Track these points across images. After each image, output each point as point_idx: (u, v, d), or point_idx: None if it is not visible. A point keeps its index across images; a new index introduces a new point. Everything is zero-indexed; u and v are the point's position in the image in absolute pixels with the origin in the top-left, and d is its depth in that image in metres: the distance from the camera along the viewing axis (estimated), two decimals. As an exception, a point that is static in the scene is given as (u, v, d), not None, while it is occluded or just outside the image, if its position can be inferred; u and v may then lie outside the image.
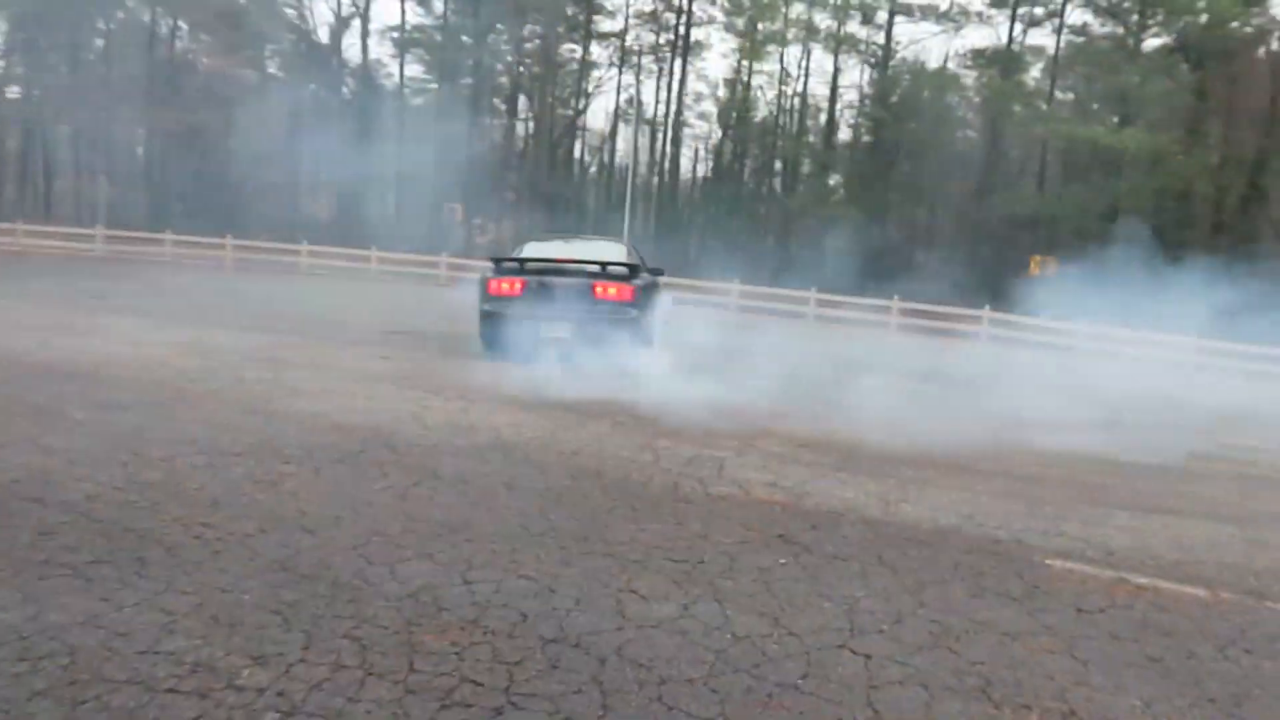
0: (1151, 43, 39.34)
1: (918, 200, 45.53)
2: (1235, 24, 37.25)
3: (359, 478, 4.22)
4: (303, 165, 39.51)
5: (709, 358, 9.71)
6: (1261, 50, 40.25)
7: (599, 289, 8.39)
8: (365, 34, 42.20)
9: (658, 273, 10.68)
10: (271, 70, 41.80)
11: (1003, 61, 42.38)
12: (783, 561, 3.53)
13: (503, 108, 47.02)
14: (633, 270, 8.71)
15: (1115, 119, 39.04)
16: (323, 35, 42.87)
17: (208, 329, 9.63)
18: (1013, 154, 45.65)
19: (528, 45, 44.63)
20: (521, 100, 47.12)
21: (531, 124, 46.73)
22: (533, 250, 9.33)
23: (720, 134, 48.62)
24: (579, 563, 3.34)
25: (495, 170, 43.67)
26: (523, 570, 3.23)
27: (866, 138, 47.05)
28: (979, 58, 42.90)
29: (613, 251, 9.28)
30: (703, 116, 48.92)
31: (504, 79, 46.22)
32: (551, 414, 6.14)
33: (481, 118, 45.53)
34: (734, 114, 45.65)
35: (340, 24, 42.23)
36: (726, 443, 5.62)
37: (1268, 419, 10.96)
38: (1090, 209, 36.82)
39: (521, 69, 45.75)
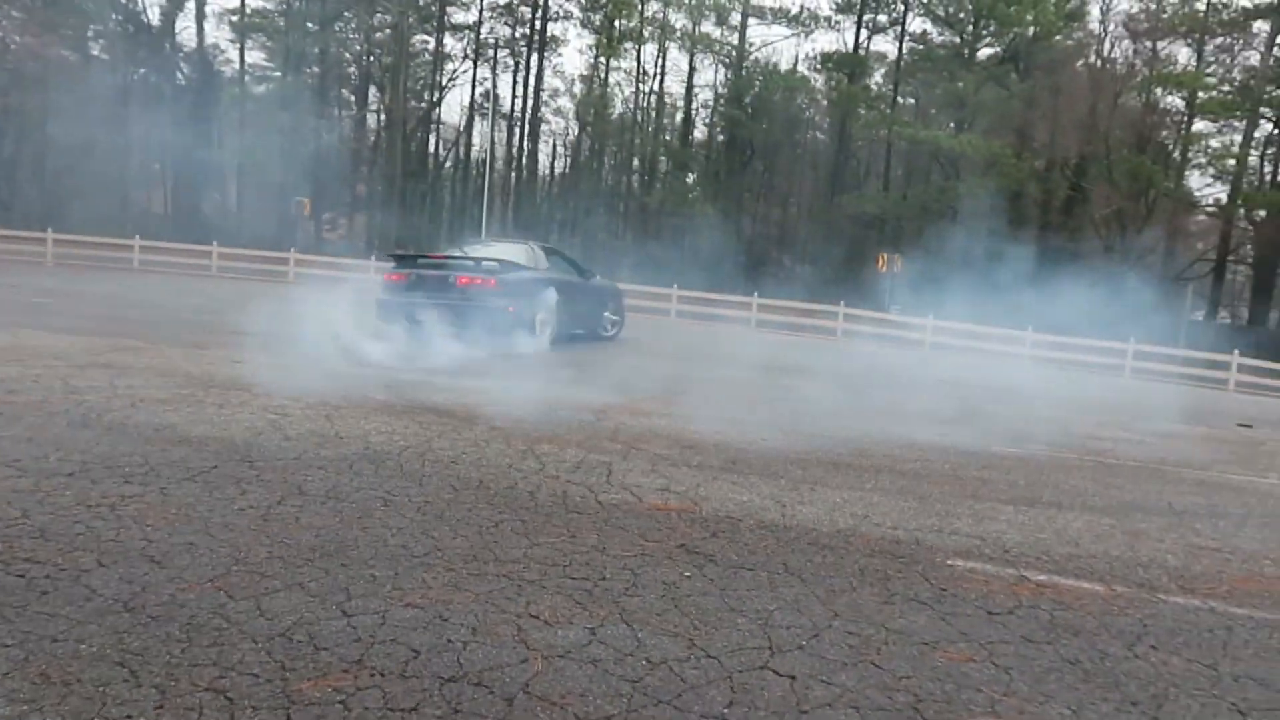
0: (985, 52, 41.62)
1: (772, 199, 46.64)
2: (1059, 37, 39.85)
3: (213, 498, 3.77)
4: (132, 155, 36.90)
5: (587, 356, 9.50)
6: (1081, 62, 43.23)
7: (462, 280, 9.97)
8: (201, 16, 39.78)
9: (587, 274, 12.65)
10: (95, 52, 38.84)
11: (849, 66, 43.92)
12: (687, 574, 3.34)
13: (352, 99, 45.35)
14: (507, 266, 10.24)
15: (952, 124, 41.08)
16: (153, 16, 40.13)
17: (29, 331, 8.69)
18: (860, 155, 47.39)
19: (378, 34, 43.18)
20: (372, 92, 45.56)
21: (383, 116, 45.25)
22: (450, 249, 12.58)
23: (578, 130, 48.45)
24: (471, 586, 3.05)
25: (345, 164, 42.03)
26: (409, 598, 2.91)
27: (722, 137, 47.86)
28: (828, 61, 44.34)
29: (512, 252, 10.99)
30: (560, 113, 48.64)
31: (353, 69, 44.58)
32: (423, 419, 5.77)
33: (329, 109, 43.77)
34: (591, 111, 45.56)
35: (173, 4, 39.64)
36: (610, 445, 5.42)
37: (1108, 408, 11.62)
38: (932, 209, 38.60)
39: (371, 59, 44.23)
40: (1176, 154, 43.44)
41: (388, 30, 42.57)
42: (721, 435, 6.09)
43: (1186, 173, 44.24)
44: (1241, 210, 40.93)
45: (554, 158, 50.75)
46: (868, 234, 39.35)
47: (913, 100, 45.32)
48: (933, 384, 12.23)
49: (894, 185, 42.13)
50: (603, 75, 44.77)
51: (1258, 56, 41.16)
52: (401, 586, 3.00)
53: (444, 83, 45.14)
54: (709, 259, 33.94)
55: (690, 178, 46.45)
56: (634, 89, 45.12)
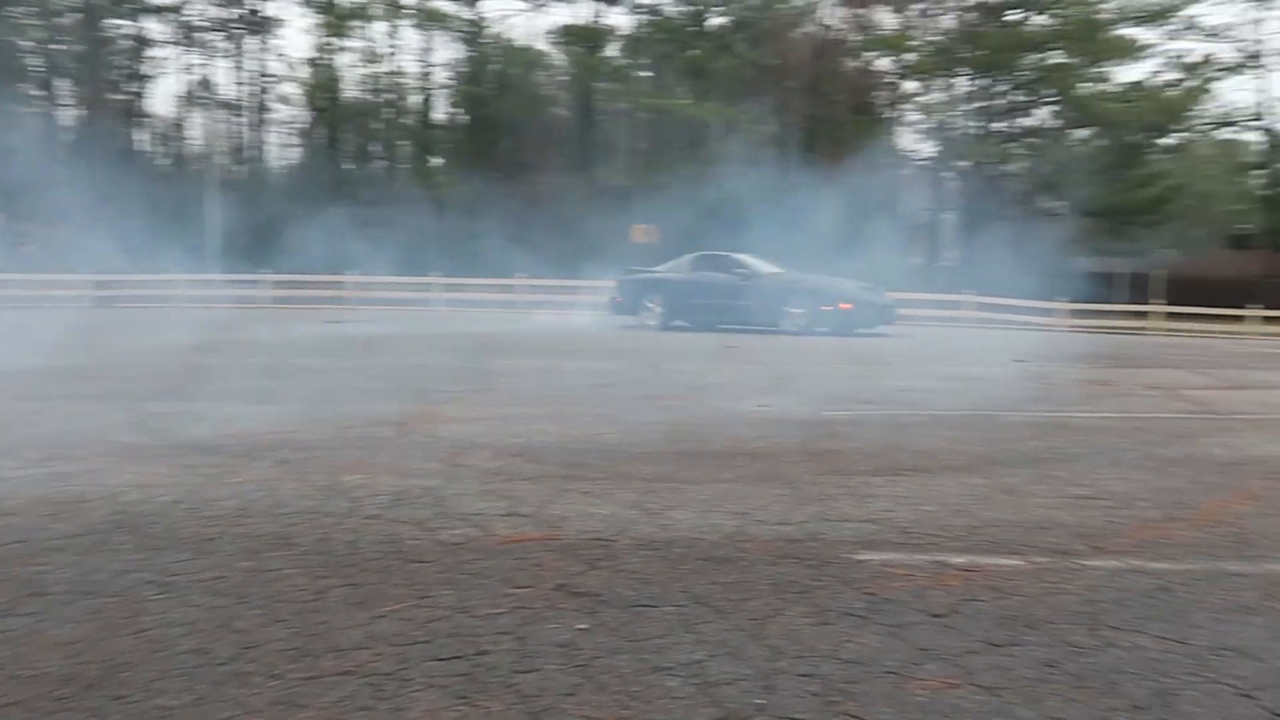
0: (716, 21, 42.85)
1: (523, 177, 45.79)
2: (781, 5, 41.72)
3: (-101, 625, 2.68)
4: None
5: (361, 361, 8.49)
6: (803, 29, 45.61)
7: None
8: None
9: None
10: None
11: (587, 39, 43.83)
12: (582, 627, 2.69)
13: (40, 93, 39.83)
14: None
15: (690, 93, 41.98)
16: None
17: None
18: (605, 127, 47.53)
19: (63, 19, 38.12)
20: (64, 83, 40.26)
21: (79, 112, 40.15)
22: None
23: (310, 116, 45.36)
24: (309, 698, 2.24)
25: (35, 167, 36.94)
26: (226, 736, 2.08)
27: (465, 117, 46.47)
28: (566, 35, 43.94)
29: None
30: (288, 99, 45.23)
31: (36, 60, 39.16)
32: (189, 461, 4.70)
33: (7, 104, 38.23)
34: (322, 95, 42.73)
35: None
36: (428, 465, 4.63)
37: (890, 357, 11.98)
38: (680, 176, 39.33)
39: (58, 47, 39.02)
40: (889, 113, 46.92)
41: (76, 15, 37.64)
42: (547, 435, 5.45)
43: (901, 130, 47.98)
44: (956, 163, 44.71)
45: (286, 146, 47.20)
46: (621, 205, 39.53)
47: (651, 73, 45.97)
48: (716, 352, 12.14)
49: (642, 156, 42.64)
50: (331, 57, 42.03)
51: (953, 19, 45.15)
52: (210, 719, 2.15)
53: (149, 72, 40.66)
54: (465, 242, 32.83)
55: (437, 160, 44.75)
56: (367, 70, 42.72)
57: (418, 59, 43.03)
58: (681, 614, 2.78)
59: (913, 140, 48.60)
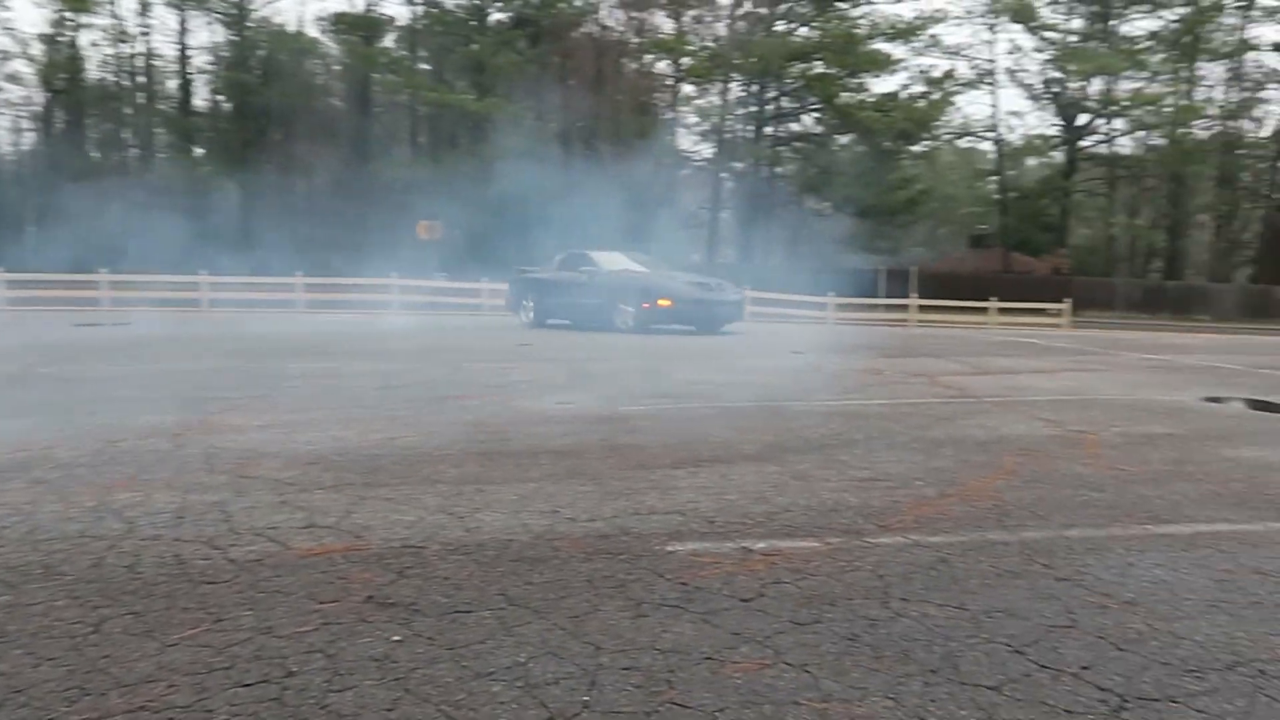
0: (496, 17, 42.47)
1: (295, 170, 43.55)
2: (562, 4, 41.93)
3: None
4: None
5: (120, 370, 7.78)
6: (583, 30, 46.06)
7: None
8: None
9: None
10: None
11: (362, 27, 42.28)
12: (397, 638, 2.60)
13: None
14: None
15: (471, 88, 41.41)
16: None
17: None
18: (384, 120, 46.07)
19: None
20: None
21: None
22: None
23: (45, 98, 41.09)
24: (95, 744, 2.05)
25: None
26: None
27: (228, 104, 43.62)
28: (339, 22, 42.17)
29: None
30: (18, 78, 40.72)
31: None
32: (-80, 488, 4.13)
33: None
34: (59, 75, 38.81)
35: None
36: (211, 479, 4.31)
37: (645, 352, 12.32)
38: (462, 172, 38.74)
39: None
40: (669, 114, 48.31)
41: None
42: (341, 441, 5.22)
43: (680, 131, 49.52)
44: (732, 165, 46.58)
45: (18, 131, 42.41)
46: (403, 200, 38.41)
47: (429, 66, 44.92)
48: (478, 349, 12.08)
49: (423, 150, 41.64)
50: (70, 33, 38.20)
51: (725, 26, 47.07)
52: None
53: None
54: (234, 237, 30.87)
55: (198, 151, 41.70)
56: (115, 50, 39.15)
57: (174, 41, 39.86)
58: (499, 617, 2.75)
59: (691, 141, 50.27)
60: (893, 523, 3.68)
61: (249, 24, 41.80)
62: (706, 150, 49.26)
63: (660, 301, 14.81)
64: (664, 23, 47.67)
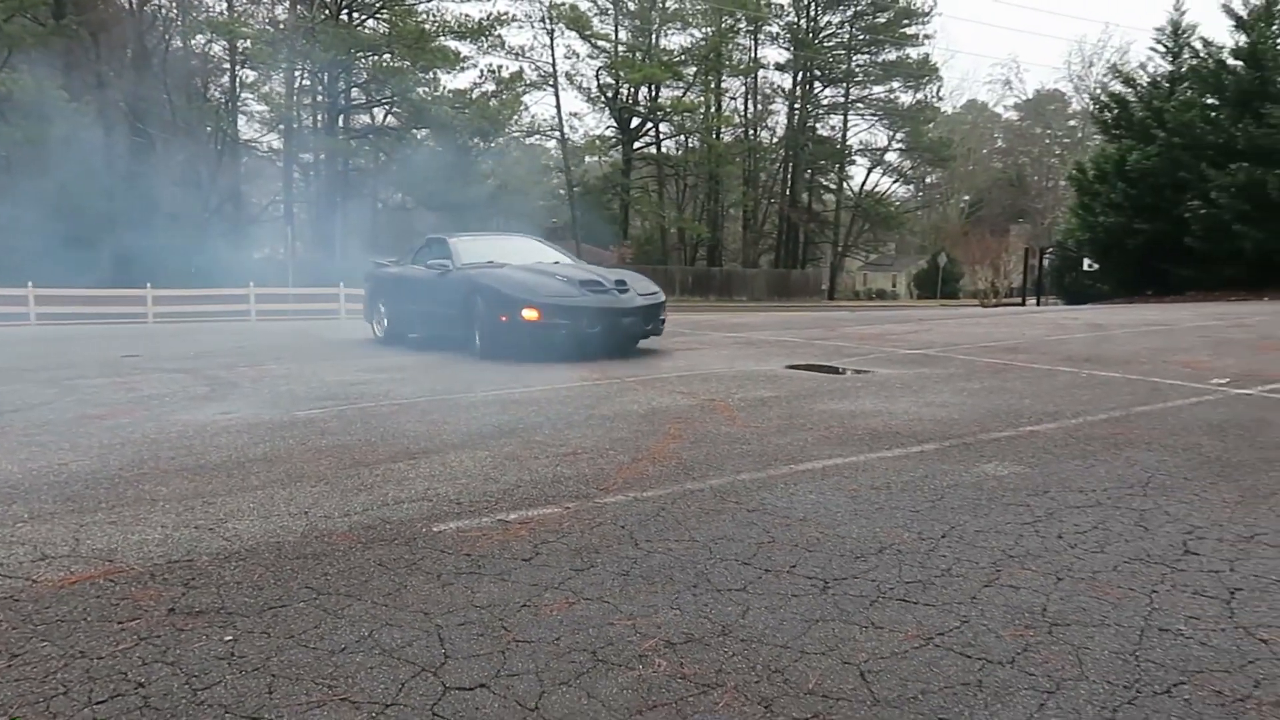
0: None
1: None
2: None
3: None
4: None
5: None
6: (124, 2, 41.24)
7: None
8: None
9: None
10: None
11: None
12: (230, 638, 2.75)
13: None
14: None
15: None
16: None
17: None
18: None
19: None
20: None
21: None
22: None
23: None
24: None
25: None
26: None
27: None
28: None
29: None
30: None
31: None
32: None
33: None
34: None
35: None
36: None
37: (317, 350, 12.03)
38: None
39: None
40: (227, 101, 44.98)
41: None
42: (3, 473, 4.75)
43: (242, 119, 46.36)
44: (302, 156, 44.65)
45: None
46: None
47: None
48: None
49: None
50: None
51: (285, 11, 44.83)
52: None
53: None
54: None
55: None
56: None
57: None
58: (317, 605, 2.99)
59: (258, 131, 47.35)
60: (610, 485, 4.38)
61: None
62: (274, 140, 46.78)
63: (525, 314, 9.34)
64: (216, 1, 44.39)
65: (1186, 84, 28.75)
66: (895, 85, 61.07)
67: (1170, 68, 30.76)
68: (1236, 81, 25.83)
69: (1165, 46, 30.96)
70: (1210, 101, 26.88)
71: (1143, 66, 33.93)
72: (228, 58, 44.61)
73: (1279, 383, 7.35)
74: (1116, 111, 30.52)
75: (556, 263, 11.14)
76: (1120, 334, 12.24)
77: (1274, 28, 26.10)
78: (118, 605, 2.99)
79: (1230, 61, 26.61)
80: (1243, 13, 26.88)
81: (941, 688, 2.39)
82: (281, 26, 43.50)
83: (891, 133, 62.92)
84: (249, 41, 41.70)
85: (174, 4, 43.51)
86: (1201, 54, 28.45)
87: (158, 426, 6.03)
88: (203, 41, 45.13)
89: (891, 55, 60.02)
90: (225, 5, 43.65)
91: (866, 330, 13.88)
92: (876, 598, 2.99)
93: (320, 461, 4.94)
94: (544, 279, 9.92)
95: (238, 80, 44.86)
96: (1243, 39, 26.47)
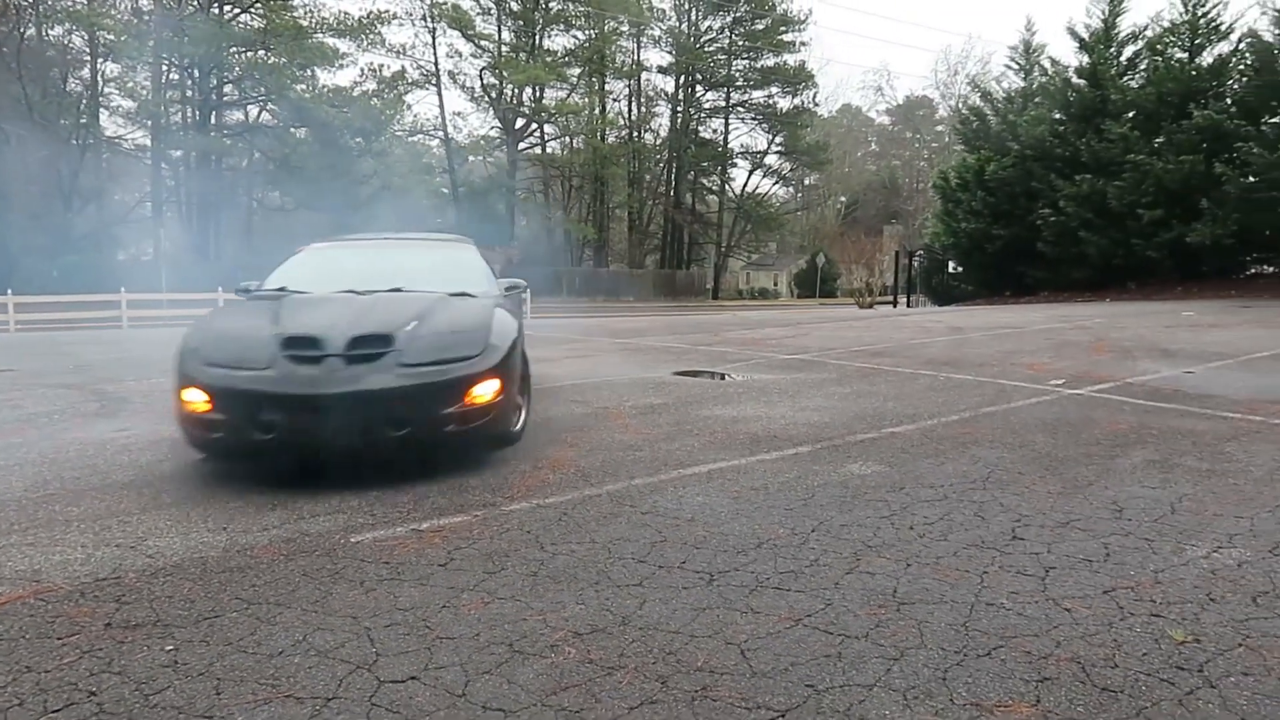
0: None
1: None
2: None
3: None
4: None
5: None
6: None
7: None
8: None
9: None
10: None
11: None
12: (171, 647, 2.99)
13: None
14: None
15: None
16: None
17: None
18: None
19: None
20: None
21: None
22: None
23: None
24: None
25: None
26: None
27: None
28: None
29: None
30: None
31: None
32: None
33: None
34: None
35: None
36: None
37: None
38: None
39: None
40: (88, 95, 42.87)
41: None
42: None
43: (104, 114, 44.21)
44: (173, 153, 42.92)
45: None
46: None
47: None
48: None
49: None
50: None
51: (150, 2, 42.98)
52: None
53: None
54: None
55: None
56: None
57: None
58: (249, 614, 3.25)
59: (122, 127, 45.29)
60: (514, 494, 4.73)
61: None
62: (140, 137, 44.80)
63: (186, 397, 5.11)
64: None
65: (1037, 99, 30.82)
66: (774, 90, 62.86)
67: (1023, 84, 32.93)
68: (1080, 98, 27.88)
69: (1018, 64, 33.19)
70: (1058, 117, 28.91)
71: (998, 81, 36.20)
72: (88, 50, 42.53)
73: (1106, 384, 8.25)
74: (975, 124, 32.50)
75: (398, 291, 6.22)
76: (977, 337, 13.26)
77: (1112, 50, 28.30)
78: (54, 622, 3.18)
79: (1075, 80, 28.70)
80: (1085, 35, 29.01)
81: (809, 660, 2.84)
82: (146, 19, 41.77)
83: (771, 136, 64.74)
84: (110, 34, 39.88)
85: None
86: (1050, 72, 30.63)
87: (54, 445, 6.04)
88: (60, 33, 42.90)
89: (770, 61, 61.77)
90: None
91: (748, 335, 14.57)
92: (755, 587, 3.44)
93: (232, 479, 5.11)
94: (268, 326, 5.34)
95: (99, 74, 42.82)
96: (1085, 59, 28.60)
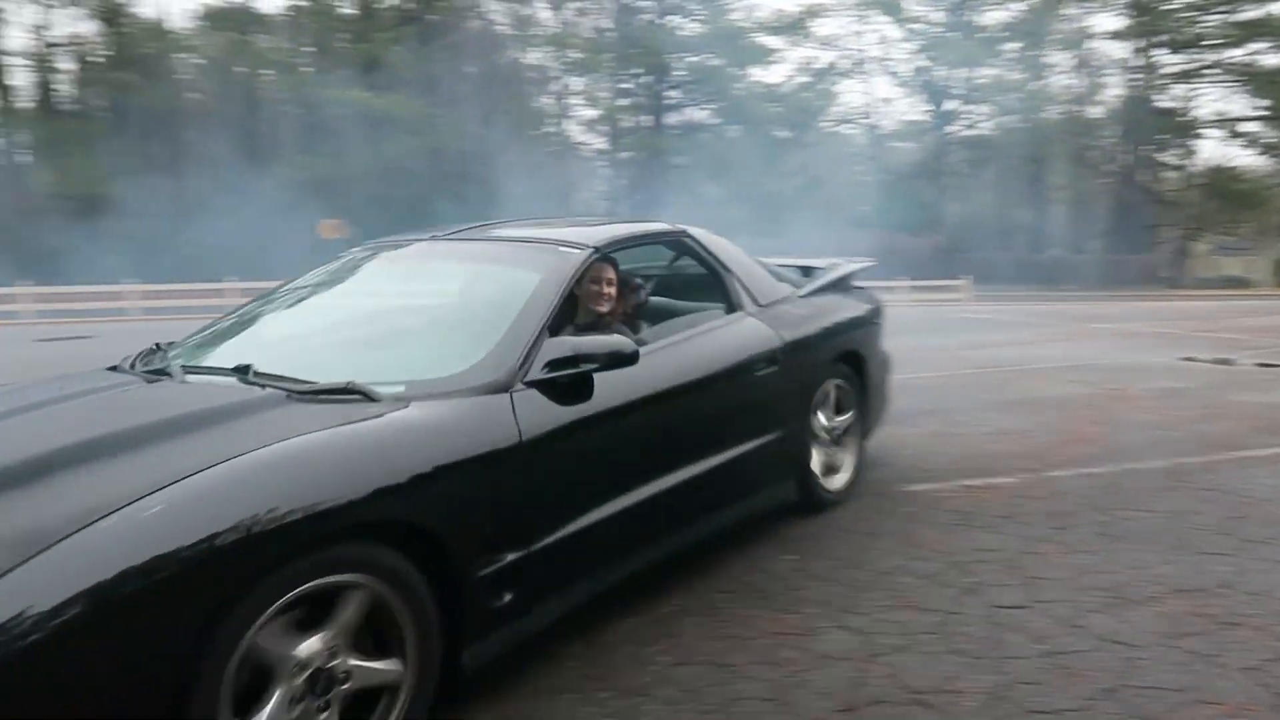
0: (390, 13, 42.08)
1: (185, 172, 42.15)
2: (442, 3, 41.98)
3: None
4: None
5: None
6: (470, 24, 46.15)
7: None
8: None
9: None
10: None
11: (238, 22, 41.25)
12: (793, 557, 3.53)
13: None
14: None
15: (360, 84, 40.85)
16: None
17: None
18: (274, 118, 44.93)
19: None
20: None
21: None
22: None
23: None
24: None
25: None
26: None
27: (101, 102, 41.76)
28: (212, 17, 40.97)
29: None
30: None
31: None
32: None
33: None
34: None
35: None
36: None
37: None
38: (371, 171, 38.50)
39: None
40: (557, 106, 48.92)
41: None
42: None
43: (566, 122, 50.17)
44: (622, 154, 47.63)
45: None
46: (310, 200, 37.88)
47: (312, 67, 44.05)
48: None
49: (325, 147, 40.85)
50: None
51: (610, 20, 47.91)
52: None
53: None
54: (144, 247, 30.12)
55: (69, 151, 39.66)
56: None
57: (31, 34, 37.81)
58: (847, 541, 3.71)
59: (580, 133, 51.02)
60: (1053, 462, 4.81)
61: (121, 19, 40.13)
62: (598, 143, 50.16)
63: None
64: (543, 14, 48.28)
65: None
66: (1258, 46, 54.03)
67: None
68: None
69: None
70: None
71: None
72: (560, 67, 48.51)
73: None
74: None
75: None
76: None
77: None
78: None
79: None
80: None
81: None
82: (606, 35, 46.69)
83: (1252, 99, 55.77)
84: (577, 51, 45.16)
85: (514, 22, 47.90)
86: None
87: None
88: (541, 56, 49.40)
89: (1253, 12, 53.17)
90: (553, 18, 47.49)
91: (1252, 322, 12.96)
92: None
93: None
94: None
95: (564, 88, 48.66)
96: None
